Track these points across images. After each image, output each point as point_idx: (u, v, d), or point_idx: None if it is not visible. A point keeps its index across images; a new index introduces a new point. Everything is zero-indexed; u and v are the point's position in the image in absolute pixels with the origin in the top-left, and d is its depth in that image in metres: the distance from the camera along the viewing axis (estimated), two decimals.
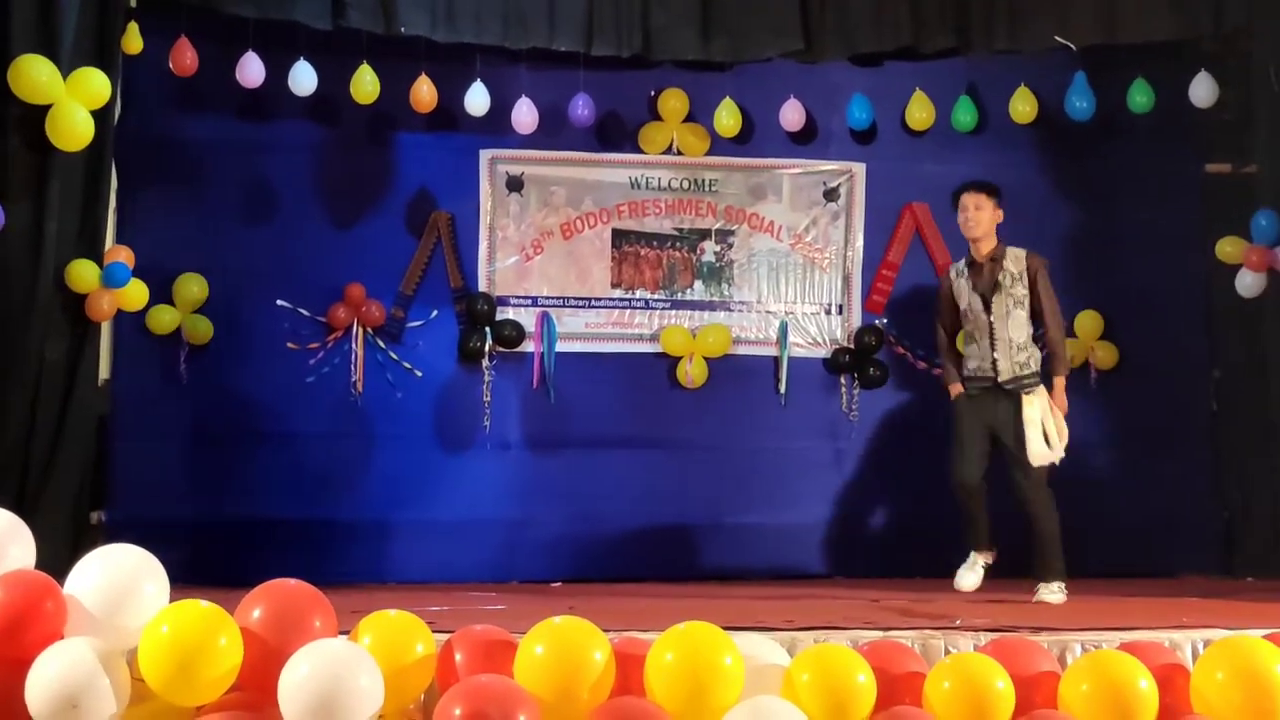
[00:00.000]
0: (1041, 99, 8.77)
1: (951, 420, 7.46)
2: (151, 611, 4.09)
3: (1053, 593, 7.02)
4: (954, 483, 7.34)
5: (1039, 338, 7.44)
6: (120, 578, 4.14)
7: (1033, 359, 7.28)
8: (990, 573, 7.50)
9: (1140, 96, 8.67)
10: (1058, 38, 8.07)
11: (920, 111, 8.85)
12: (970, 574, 7.37)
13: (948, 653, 4.88)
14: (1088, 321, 8.88)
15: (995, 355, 7.23)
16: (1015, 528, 7.31)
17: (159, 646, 3.97)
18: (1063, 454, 7.16)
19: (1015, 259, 7.32)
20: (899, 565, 8.56)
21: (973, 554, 7.42)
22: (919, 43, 8.34)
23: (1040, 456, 7.08)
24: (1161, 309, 8.87)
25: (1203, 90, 8.48)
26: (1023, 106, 8.75)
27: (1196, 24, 8.09)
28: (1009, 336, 7.21)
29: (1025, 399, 7.14)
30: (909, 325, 8.93)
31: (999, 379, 7.23)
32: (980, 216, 7.29)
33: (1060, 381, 7.28)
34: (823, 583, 8.31)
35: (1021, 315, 7.26)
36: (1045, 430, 7.11)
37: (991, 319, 7.25)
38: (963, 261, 7.50)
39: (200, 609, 4.05)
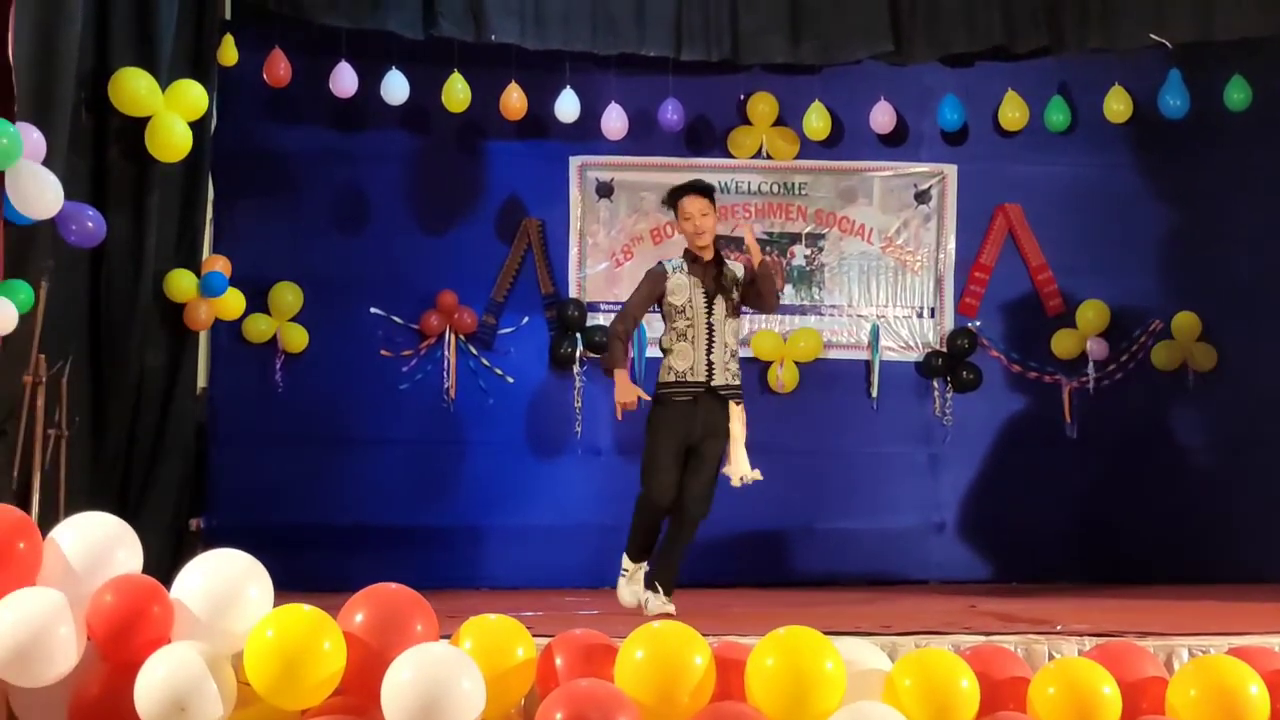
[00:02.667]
0: (1135, 98, 8.65)
1: (655, 424, 6.73)
2: (256, 616, 4.12)
3: (658, 600, 6.60)
4: (654, 501, 6.69)
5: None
6: (225, 582, 4.18)
7: (739, 372, 6.81)
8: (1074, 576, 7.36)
9: (1237, 94, 8.53)
10: (1153, 35, 7.93)
11: (1013, 112, 8.77)
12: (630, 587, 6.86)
13: (1051, 658, 4.82)
14: (1185, 322, 8.75)
15: (711, 357, 6.65)
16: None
17: (264, 650, 4.01)
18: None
19: (736, 267, 6.82)
20: (995, 570, 8.49)
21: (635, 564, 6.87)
22: (1011, 43, 8.24)
23: (747, 475, 6.61)
24: (1261, 309, 8.71)
25: None
26: (1117, 105, 8.64)
27: None
28: (724, 343, 6.70)
29: (733, 409, 6.66)
30: (1003, 328, 8.85)
31: (712, 383, 6.64)
32: (707, 223, 6.67)
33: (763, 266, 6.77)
34: (918, 588, 8.24)
35: (735, 325, 6.80)
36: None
37: (711, 320, 6.67)
38: (681, 258, 6.78)
39: (304, 613, 4.08)
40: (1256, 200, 8.76)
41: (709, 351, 6.67)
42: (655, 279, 6.78)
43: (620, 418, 6.90)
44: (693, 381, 6.65)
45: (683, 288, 6.69)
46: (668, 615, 6.33)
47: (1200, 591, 7.33)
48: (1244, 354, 8.76)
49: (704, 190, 6.76)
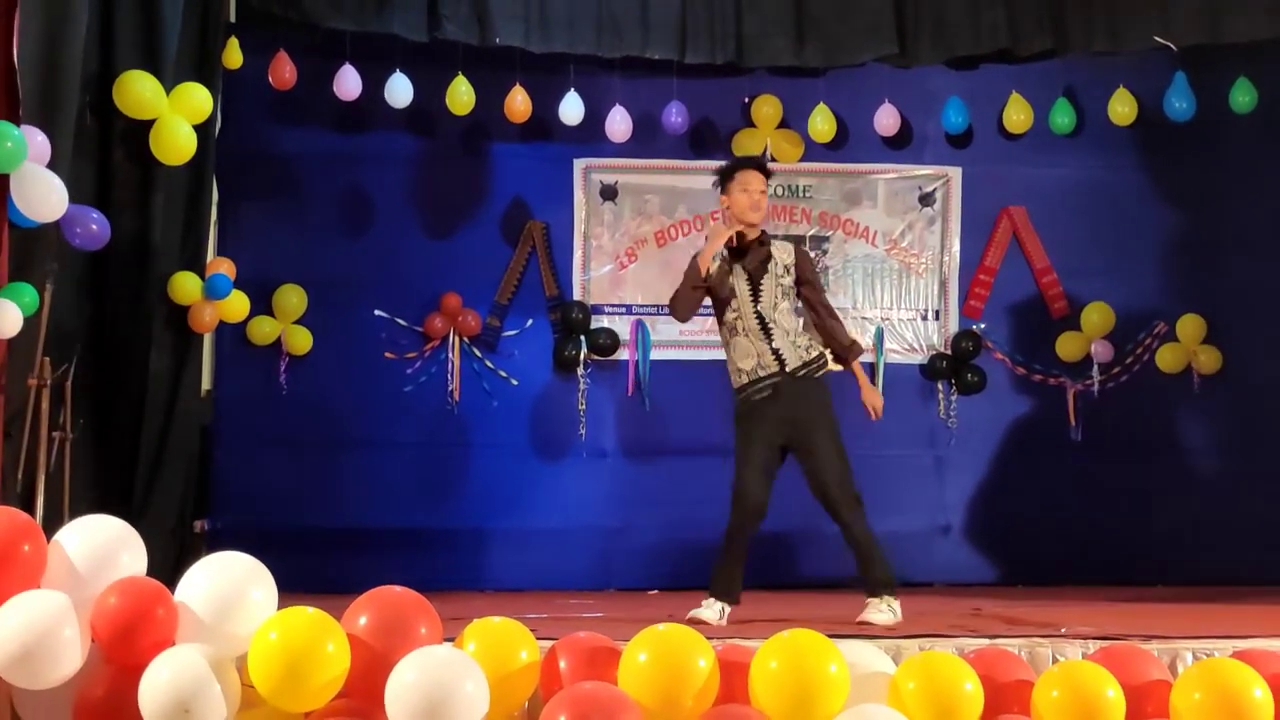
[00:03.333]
0: (1141, 100, 8.65)
1: (741, 427, 6.35)
2: (261, 618, 4.12)
3: (882, 611, 6.03)
4: (742, 511, 6.23)
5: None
6: (230, 585, 4.18)
7: (814, 344, 6.37)
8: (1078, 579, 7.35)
9: (1243, 96, 8.52)
10: (1158, 38, 7.92)
11: (1017, 114, 8.77)
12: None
13: (1055, 661, 4.81)
14: (1190, 325, 8.75)
15: (774, 344, 6.24)
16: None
17: (268, 653, 4.01)
18: None
19: (783, 249, 6.44)
20: (1000, 573, 8.48)
21: (713, 600, 6.23)
22: (1016, 45, 8.22)
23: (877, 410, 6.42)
24: (1266, 312, 8.71)
25: None
26: (1122, 108, 8.64)
27: None
28: (784, 326, 6.27)
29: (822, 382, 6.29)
30: (1007, 330, 8.86)
31: (787, 368, 6.23)
32: (764, 202, 6.39)
33: (858, 366, 6.52)
34: (922, 591, 8.22)
35: (788, 307, 6.34)
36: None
37: (759, 307, 6.27)
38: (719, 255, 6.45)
39: (308, 616, 4.08)
40: (1262, 203, 8.76)
41: (769, 338, 6.25)
42: (694, 266, 6.38)
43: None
44: (765, 375, 6.24)
45: (724, 277, 6.34)
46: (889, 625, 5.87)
47: (1205, 594, 7.33)
48: (1249, 357, 8.75)
49: (766, 169, 6.46)
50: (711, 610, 6.12)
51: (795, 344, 6.27)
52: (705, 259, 6.30)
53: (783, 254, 6.38)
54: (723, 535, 6.30)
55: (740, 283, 6.31)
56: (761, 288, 6.29)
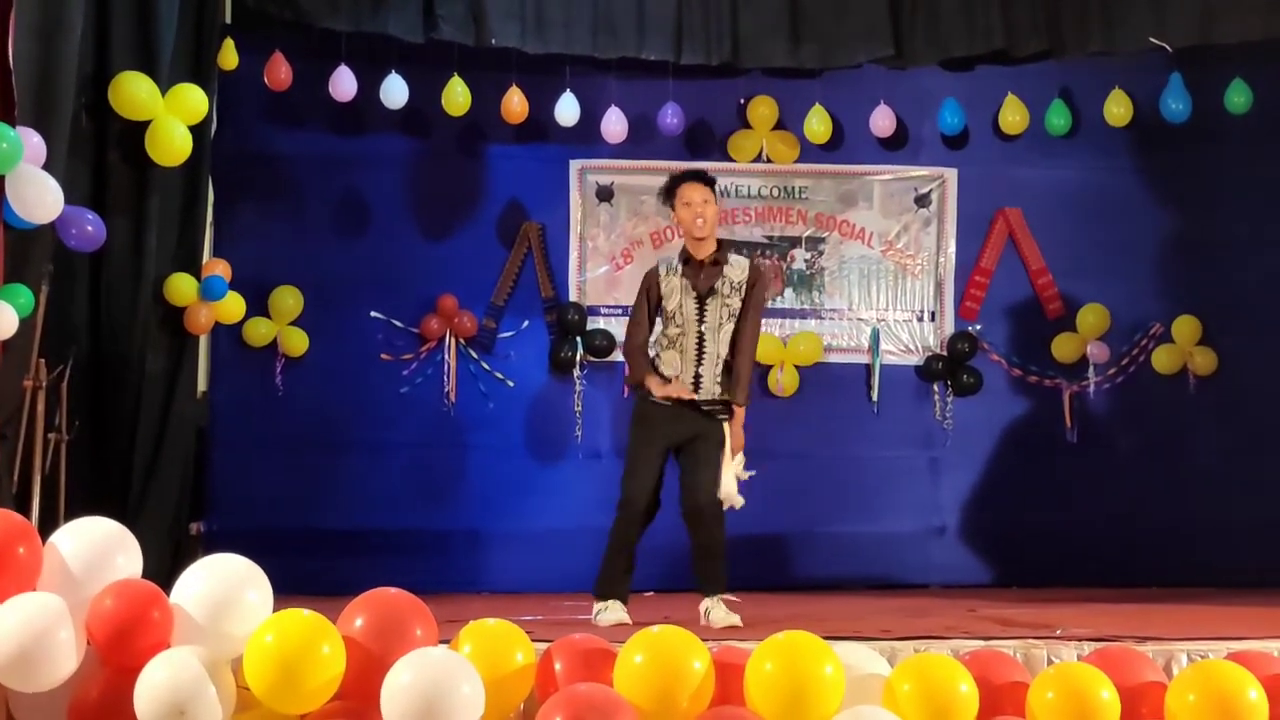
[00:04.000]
0: (1136, 101, 8.66)
1: (635, 431, 6.43)
2: (256, 620, 4.12)
3: (722, 609, 6.23)
4: (629, 511, 6.32)
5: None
6: (225, 587, 4.17)
7: (726, 384, 6.37)
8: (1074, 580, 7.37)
9: (1238, 97, 8.53)
10: (1153, 39, 7.93)
11: (1013, 115, 8.78)
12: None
13: (1050, 663, 4.81)
14: (1185, 327, 8.76)
15: (700, 369, 6.29)
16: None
17: (264, 655, 4.00)
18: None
19: (739, 267, 6.42)
20: (995, 574, 8.49)
21: (613, 602, 6.34)
22: (1011, 46, 8.23)
23: (730, 497, 6.29)
24: (1262, 313, 8.71)
25: None
26: (1117, 109, 8.65)
27: None
28: (718, 351, 6.30)
29: (726, 428, 6.31)
30: (1003, 331, 8.86)
31: (698, 395, 6.29)
32: (709, 211, 6.32)
33: (741, 414, 6.41)
34: (918, 592, 8.24)
35: (729, 331, 6.34)
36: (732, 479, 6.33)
37: (703, 328, 6.31)
38: (677, 258, 6.44)
39: (304, 618, 4.07)
40: (1257, 204, 8.77)
41: (698, 362, 6.31)
42: (649, 281, 6.48)
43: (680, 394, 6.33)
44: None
45: (674, 291, 6.36)
46: (733, 627, 6.02)
47: (1200, 595, 7.33)
48: (1244, 358, 8.76)
49: (705, 178, 6.41)
50: (616, 612, 6.26)
51: (716, 378, 6.31)
52: (651, 385, 6.32)
53: (736, 271, 6.38)
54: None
55: (689, 301, 6.33)
56: (707, 309, 6.33)
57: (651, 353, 6.46)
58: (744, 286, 6.36)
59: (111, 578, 4.22)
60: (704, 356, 6.31)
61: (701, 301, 6.32)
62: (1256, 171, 8.74)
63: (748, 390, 6.41)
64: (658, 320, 6.50)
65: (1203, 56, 8.32)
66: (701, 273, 6.34)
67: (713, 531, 6.29)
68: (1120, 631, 5.36)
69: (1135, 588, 7.92)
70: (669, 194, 6.45)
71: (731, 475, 6.26)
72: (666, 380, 6.31)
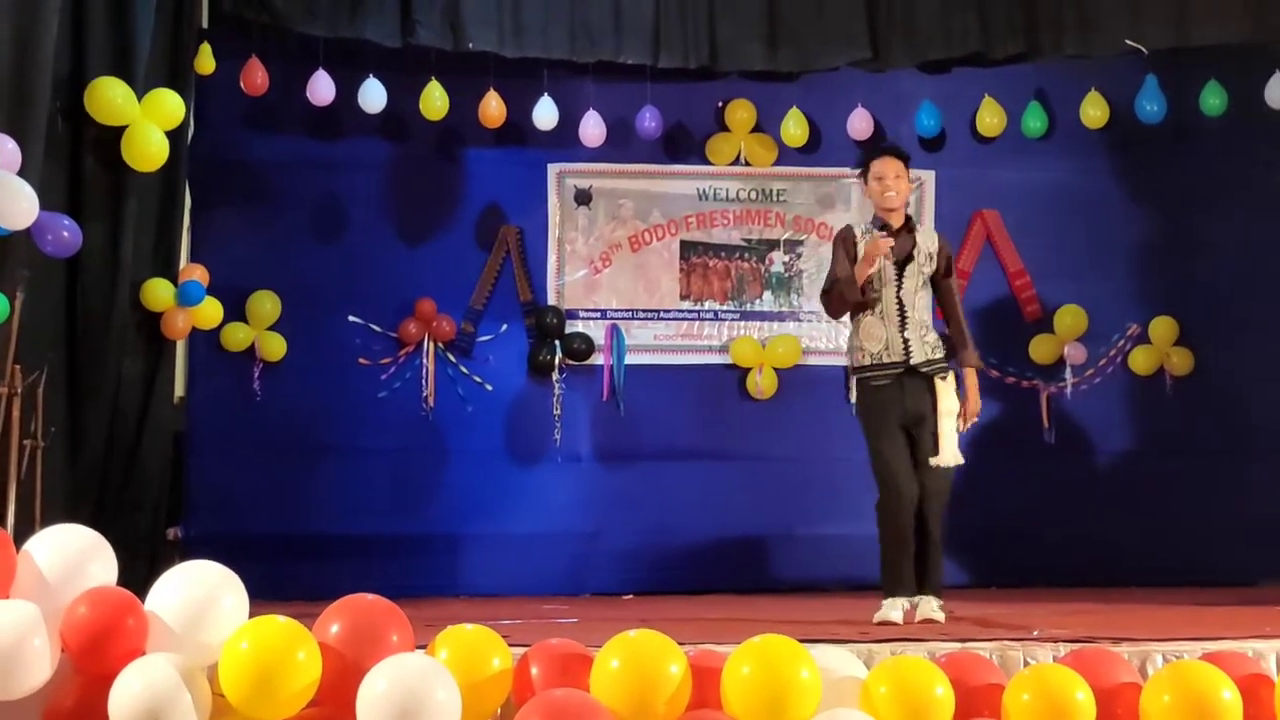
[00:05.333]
0: (1112, 103, 8.70)
1: (869, 416, 6.31)
2: (231, 627, 4.11)
3: (937, 611, 6.16)
4: (896, 500, 6.20)
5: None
6: (200, 594, 4.16)
7: (940, 344, 6.35)
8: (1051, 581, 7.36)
9: (1213, 99, 8.58)
10: (1129, 41, 7.96)
11: (990, 118, 8.81)
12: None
13: (1026, 664, 4.82)
14: (1162, 327, 8.79)
15: (906, 334, 6.23)
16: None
17: (239, 662, 4.00)
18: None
19: (929, 237, 6.49)
20: (974, 576, 8.50)
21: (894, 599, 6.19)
22: (988, 49, 8.26)
23: (954, 456, 6.20)
24: (1238, 314, 8.75)
25: (1278, 91, 8.36)
26: (1093, 111, 8.69)
27: (1271, 24, 7.92)
28: (919, 318, 6.27)
29: (940, 385, 6.24)
30: (981, 333, 8.82)
31: (911, 361, 6.22)
32: (901, 185, 6.34)
33: (973, 374, 6.47)
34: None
35: (926, 298, 6.39)
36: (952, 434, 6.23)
37: (901, 294, 6.26)
38: (869, 224, 6.44)
39: (279, 625, 4.07)
40: (1233, 205, 8.80)
41: (903, 327, 6.23)
42: (845, 240, 6.37)
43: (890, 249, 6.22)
44: (890, 362, 6.23)
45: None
46: (933, 620, 6.04)
47: (1176, 596, 7.35)
48: (1221, 359, 8.79)
49: (899, 153, 6.43)
50: (894, 610, 6.13)
51: (925, 340, 6.27)
52: (862, 274, 6.21)
53: (928, 242, 6.40)
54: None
55: (887, 265, 6.25)
56: (905, 274, 6.28)
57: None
58: (935, 256, 6.39)
59: (86, 585, 4.21)
60: (907, 321, 6.25)
61: (900, 267, 6.28)
62: (1232, 173, 8.77)
63: (969, 343, 6.47)
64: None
65: (1178, 59, 8.36)
66: (897, 239, 6.31)
67: (932, 522, 6.22)
68: (1096, 632, 5.37)
69: (1112, 588, 7.93)
70: (863, 166, 6.47)
71: (953, 433, 6.19)
72: (872, 251, 6.15)
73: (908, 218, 6.41)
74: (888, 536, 6.27)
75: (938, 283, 6.44)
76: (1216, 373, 8.80)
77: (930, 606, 6.15)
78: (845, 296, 6.28)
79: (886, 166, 6.34)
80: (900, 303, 6.26)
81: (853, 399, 6.44)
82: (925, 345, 6.25)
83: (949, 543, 8.49)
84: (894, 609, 6.12)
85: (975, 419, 6.42)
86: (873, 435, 6.29)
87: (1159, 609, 6.84)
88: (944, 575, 6.30)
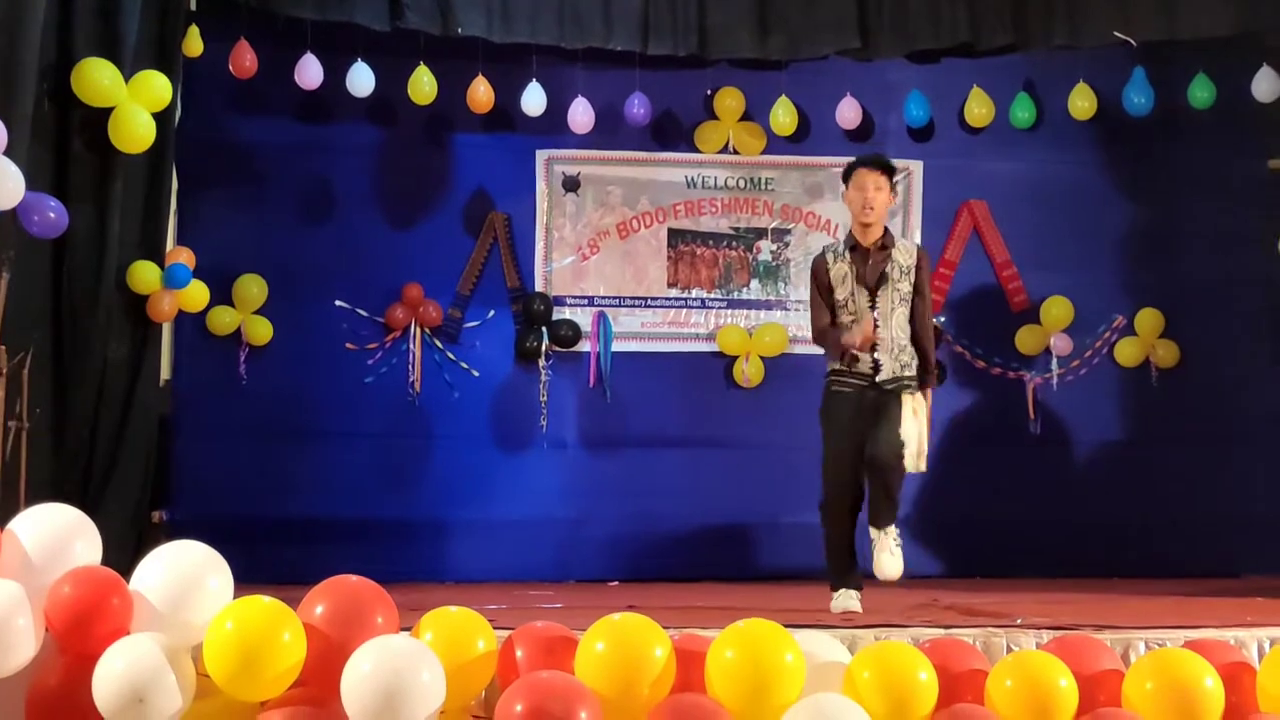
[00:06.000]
0: (1100, 95, 8.71)
1: (827, 419, 6.36)
2: (216, 607, 4.12)
3: (890, 547, 6.30)
4: (837, 503, 6.31)
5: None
6: (185, 574, 4.17)
7: (913, 361, 6.32)
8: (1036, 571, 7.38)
9: (1201, 92, 8.59)
10: (1117, 33, 7.97)
11: (978, 108, 8.81)
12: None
13: (1010, 651, 4.85)
14: (1148, 319, 8.81)
15: (876, 355, 6.22)
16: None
17: (224, 642, 4.00)
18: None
19: (905, 251, 6.37)
20: (958, 564, 8.52)
21: (845, 590, 6.28)
22: (977, 40, 8.27)
23: (915, 457, 6.10)
24: (1223, 306, 8.77)
25: (1265, 85, 8.38)
26: (1081, 103, 8.70)
27: (1258, 17, 7.95)
28: (892, 336, 6.25)
29: (906, 399, 6.17)
30: (967, 323, 8.89)
31: (878, 378, 6.23)
32: (879, 199, 6.26)
33: (929, 394, 6.41)
34: (880, 583, 8.25)
35: (903, 315, 6.29)
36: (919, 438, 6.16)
37: (875, 315, 6.22)
38: (842, 244, 6.41)
39: (264, 605, 4.07)
40: (1219, 197, 8.80)
41: (873, 349, 6.22)
42: (817, 271, 6.41)
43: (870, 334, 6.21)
44: (856, 374, 6.25)
45: (844, 278, 6.30)
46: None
47: (1159, 586, 7.38)
48: (1206, 350, 8.81)
49: (884, 166, 6.34)
50: (851, 600, 6.24)
51: (897, 359, 6.25)
52: (837, 348, 6.27)
53: (904, 256, 6.33)
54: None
55: (859, 290, 6.27)
56: (879, 296, 6.26)
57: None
58: (913, 270, 6.31)
59: (70, 565, 4.21)
60: (879, 343, 6.23)
61: (872, 290, 6.27)
62: (1219, 165, 8.78)
63: (933, 369, 6.47)
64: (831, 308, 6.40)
65: (1166, 51, 8.38)
66: (870, 259, 6.29)
67: (889, 477, 6.17)
68: (1079, 620, 5.40)
69: (1096, 578, 7.96)
70: (846, 174, 6.41)
71: (916, 435, 6.09)
72: (851, 341, 6.20)
73: (885, 231, 6.36)
74: (832, 535, 6.38)
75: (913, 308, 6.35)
76: (1201, 365, 8.82)
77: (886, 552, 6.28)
78: (834, 344, 6.32)
79: (867, 178, 6.29)
80: (874, 324, 6.22)
81: None
82: (896, 363, 6.25)
83: (934, 531, 8.63)
84: (850, 599, 6.21)
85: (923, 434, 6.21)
86: (826, 436, 6.37)
87: (1142, 598, 6.87)
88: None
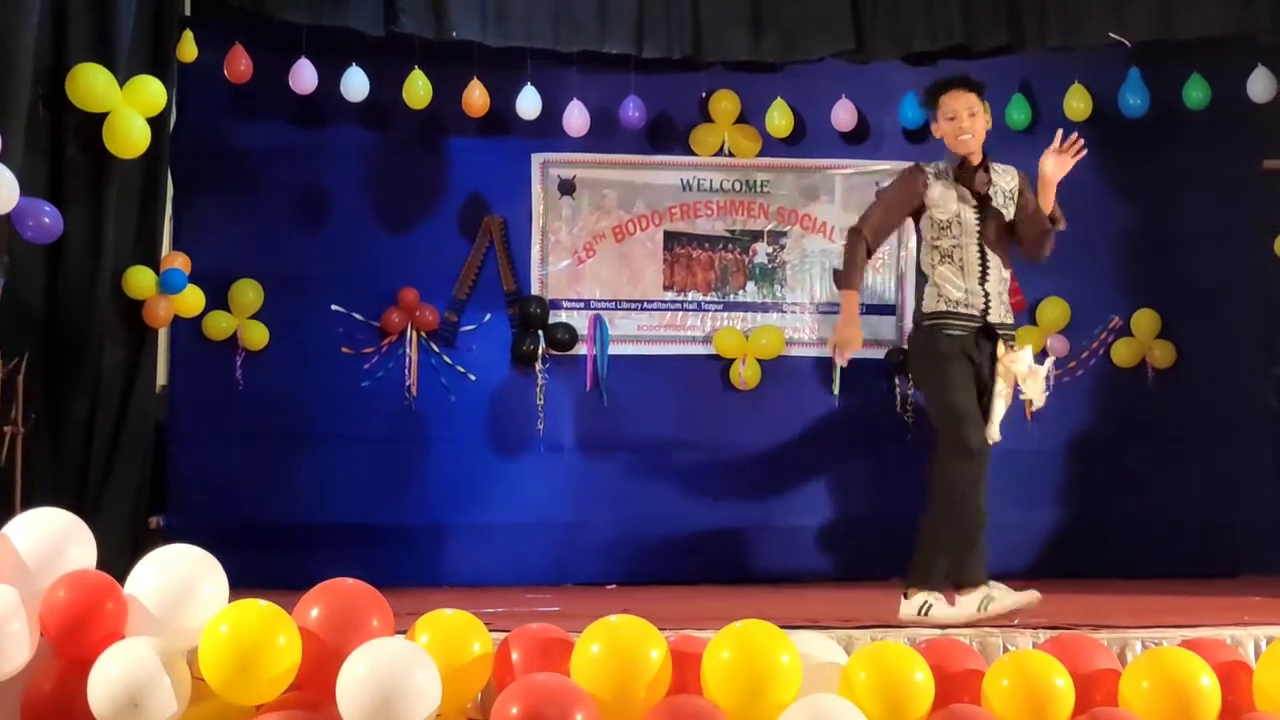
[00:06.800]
0: (1096, 96, 8.71)
1: (934, 364, 5.68)
2: (211, 611, 4.11)
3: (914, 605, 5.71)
4: (964, 458, 5.54)
5: None
6: (180, 578, 4.16)
7: (1010, 310, 5.82)
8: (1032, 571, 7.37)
9: (1196, 92, 8.59)
10: (1112, 34, 7.97)
11: None
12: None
13: (1006, 650, 4.84)
14: (1145, 320, 8.81)
15: (986, 287, 5.65)
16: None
17: (219, 646, 3.99)
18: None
19: (1007, 174, 5.86)
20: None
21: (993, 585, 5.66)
22: (971, 41, 8.28)
23: (997, 429, 5.65)
24: (1220, 307, 8.76)
25: (1260, 85, 8.38)
26: (1077, 104, 8.69)
27: (1254, 18, 7.96)
28: (1000, 274, 5.71)
29: (1003, 353, 5.63)
30: None
31: (990, 317, 5.66)
32: (976, 124, 5.76)
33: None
34: (879, 584, 8.24)
35: (1003, 254, 5.76)
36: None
37: (982, 240, 5.68)
38: (945, 163, 5.85)
39: (259, 609, 4.06)
40: (1215, 198, 8.80)
41: (983, 279, 5.63)
42: (911, 181, 5.74)
43: (841, 362, 5.89)
44: (967, 314, 5.63)
45: (948, 199, 5.71)
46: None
47: (1156, 586, 7.38)
48: (1203, 351, 8.81)
49: (972, 84, 5.77)
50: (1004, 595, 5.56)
51: (1003, 298, 5.72)
52: (840, 323, 5.79)
53: (1005, 179, 5.84)
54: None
55: (966, 210, 5.70)
56: (986, 218, 5.70)
57: (925, 269, 5.75)
58: (1015, 194, 5.82)
59: (65, 569, 4.20)
60: (988, 272, 5.67)
61: (982, 212, 5.71)
62: (1214, 166, 8.78)
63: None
64: (925, 231, 5.78)
65: (1162, 51, 8.37)
66: (978, 180, 5.74)
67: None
68: (1076, 619, 5.39)
69: (1093, 579, 7.96)
70: (930, 102, 5.88)
71: (1001, 407, 5.60)
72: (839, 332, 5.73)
73: (985, 155, 5.82)
74: (942, 511, 5.72)
75: (1021, 220, 5.76)
76: (1198, 365, 8.82)
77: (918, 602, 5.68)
78: (845, 272, 5.78)
79: (958, 101, 5.75)
80: (981, 252, 5.68)
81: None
82: (1003, 304, 5.70)
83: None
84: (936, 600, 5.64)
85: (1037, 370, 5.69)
86: (940, 386, 5.66)
87: (1139, 598, 6.87)
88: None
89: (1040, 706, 4.16)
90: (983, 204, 5.72)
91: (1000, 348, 5.64)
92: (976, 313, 5.64)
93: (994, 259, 5.69)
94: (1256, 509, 8.55)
